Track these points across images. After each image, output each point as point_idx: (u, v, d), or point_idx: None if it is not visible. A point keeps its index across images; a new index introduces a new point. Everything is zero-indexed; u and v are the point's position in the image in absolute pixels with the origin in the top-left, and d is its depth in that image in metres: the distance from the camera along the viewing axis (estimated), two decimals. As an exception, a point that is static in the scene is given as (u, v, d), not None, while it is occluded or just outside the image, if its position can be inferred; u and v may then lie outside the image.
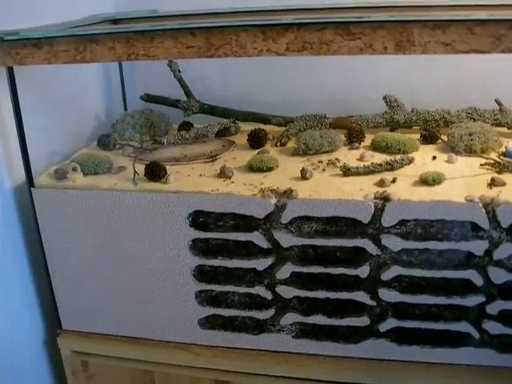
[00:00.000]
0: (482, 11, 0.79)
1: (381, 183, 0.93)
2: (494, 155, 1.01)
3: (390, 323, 0.95)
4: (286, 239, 0.92)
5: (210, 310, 1.00)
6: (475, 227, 0.87)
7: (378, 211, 0.88)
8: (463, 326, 0.93)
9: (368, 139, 1.12)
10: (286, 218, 0.91)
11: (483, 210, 0.85)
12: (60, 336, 1.08)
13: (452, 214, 0.86)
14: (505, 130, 1.13)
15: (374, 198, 0.88)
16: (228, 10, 1.08)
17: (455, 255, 0.90)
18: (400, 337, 0.96)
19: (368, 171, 0.97)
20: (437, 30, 0.78)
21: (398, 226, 0.89)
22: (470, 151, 1.03)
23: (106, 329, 1.06)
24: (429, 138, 1.09)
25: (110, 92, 1.30)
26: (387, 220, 0.88)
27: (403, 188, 0.92)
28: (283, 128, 1.17)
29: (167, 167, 1.01)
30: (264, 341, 1.00)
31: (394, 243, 0.89)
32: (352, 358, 0.98)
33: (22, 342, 1.06)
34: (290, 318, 0.98)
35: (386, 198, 0.88)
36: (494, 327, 0.92)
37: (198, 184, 0.97)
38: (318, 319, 0.97)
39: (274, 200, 0.91)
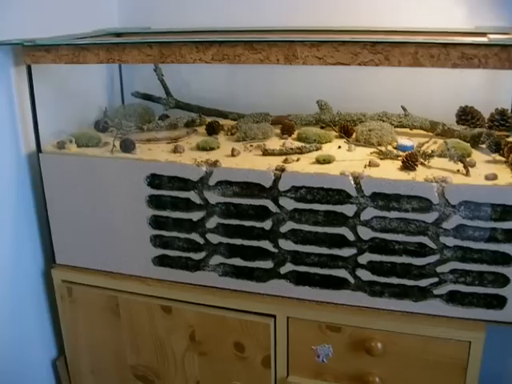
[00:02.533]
0: (345, 35, 1.18)
1: (286, 161, 1.30)
2: (388, 147, 1.37)
3: (288, 267, 1.31)
4: (213, 198, 1.31)
5: (160, 251, 1.40)
6: (347, 195, 1.23)
7: (277, 179, 1.26)
8: (342, 273, 1.28)
9: (300, 133, 1.51)
10: (212, 181, 1.30)
11: (352, 182, 1.22)
12: (54, 268, 1.51)
13: (328, 183, 1.23)
14: (408, 130, 1.49)
15: (275, 170, 1.26)
16: (181, 30, 1.53)
17: (334, 216, 1.26)
18: (297, 278, 1.32)
19: (281, 153, 1.35)
20: (313, 48, 1.16)
21: (291, 191, 1.26)
22: (368, 143, 1.40)
23: (86, 264, 1.48)
24: (345, 133, 1.46)
25: (112, 89, 1.75)
26: (283, 186, 1.25)
27: (301, 165, 1.29)
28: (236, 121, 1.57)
29: (140, 145, 1.43)
30: (198, 277, 1.38)
31: (288, 203, 1.26)
32: (261, 294, 1.35)
33: (27, 272, 1.49)
34: (217, 259, 1.36)
35: (282, 170, 1.26)
36: (365, 275, 1.27)
37: (156, 156, 1.37)
38: (237, 261, 1.34)
39: (204, 168, 1.30)
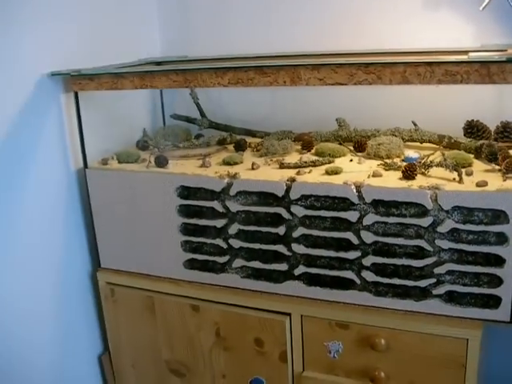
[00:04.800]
0: (341, 58, 1.37)
1: (298, 173, 1.49)
2: (395, 159, 1.53)
3: (301, 269, 1.49)
4: (234, 206, 1.52)
5: (190, 255, 1.61)
6: (350, 202, 1.40)
7: (288, 189, 1.45)
8: (349, 274, 1.45)
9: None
10: (233, 191, 1.50)
11: (354, 190, 1.39)
12: (99, 271, 1.75)
13: (333, 192, 1.41)
14: (418, 144, 1.65)
15: (286, 180, 1.46)
16: (208, 58, 1.78)
17: (339, 221, 1.43)
18: (309, 280, 1.50)
19: (296, 166, 1.54)
20: (314, 70, 1.36)
21: (302, 200, 1.45)
22: (377, 156, 1.56)
23: (127, 267, 1.71)
24: (358, 148, 1.64)
25: (155, 112, 2.00)
26: (293, 194, 1.44)
27: (312, 176, 1.48)
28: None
29: (175, 160, 1.66)
30: (223, 279, 1.58)
31: (298, 211, 1.45)
32: (278, 294, 1.53)
33: (77, 275, 1.74)
34: (239, 262, 1.56)
35: (293, 180, 1.45)
36: (369, 276, 1.43)
37: (185, 170, 1.60)
38: (256, 264, 1.54)
39: (226, 180, 1.51)
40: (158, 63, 1.87)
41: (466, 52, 1.31)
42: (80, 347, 1.78)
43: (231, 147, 1.78)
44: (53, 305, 1.67)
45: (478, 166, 1.48)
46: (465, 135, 1.57)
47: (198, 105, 1.85)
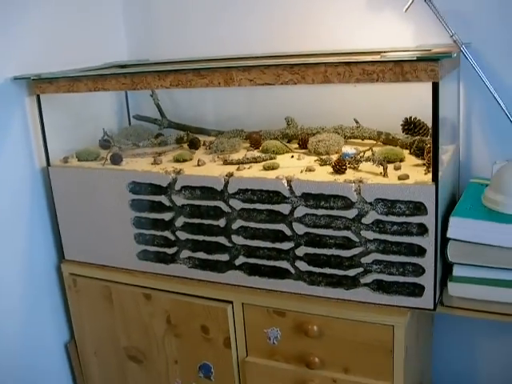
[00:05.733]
0: (269, 60, 1.45)
1: (238, 169, 1.57)
2: (333, 156, 1.61)
3: (241, 259, 1.57)
4: (179, 200, 1.60)
5: (143, 247, 1.71)
6: (282, 195, 1.48)
7: (226, 183, 1.53)
8: (284, 264, 1.53)
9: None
10: (178, 186, 1.59)
11: (285, 184, 1.47)
12: (63, 263, 1.86)
13: (266, 186, 1.48)
14: (359, 140, 1.72)
15: (225, 176, 1.54)
16: (157, 61, 1.90)
17: (274, 214, 1.51)
18: (249, 269, 1.58)
19: (239, 162, 1.62)
20: (245, 72, 1.44)
21: (239, 194, 1.53)
22: (317, 152, 1.64)
23: (87, 259, 1.81)
24: (302, 145, 1.71)
25: (121, 113, 2.10)
26: (231, 189, 1.53)
27: (251, 171, 1.56)
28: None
29: (131, 158, 1.76)
30: (172, 269, 1.67)
31: (236, 204, 1.53)
32: (221, 284, 1.62)
33: (42, 267, 1.85)
34: (186, 253, 1.64)
35: (230, 175, 1.53)
36: (302, 265, 1.51)
37: (137, 167, 1.69)
38: (201, 255, 1.62)
39: (171, 175, 1.60)
40: (122, 66, 1.97)
41: (385, 52, 1.38)
42: (47, 336, 1.88)
43: (187, 146, 1.87)
44: (20, 296, 1.78)
45: (411, 161, 1.54)
46: (403, 132, 1.64)
47: (158, 106, 1.94)
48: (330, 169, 1.51)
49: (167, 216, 1.64)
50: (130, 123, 2.11)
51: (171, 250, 1.66)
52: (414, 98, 1.71)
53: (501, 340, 1.81)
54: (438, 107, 1.29)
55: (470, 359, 1.86)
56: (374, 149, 1.52)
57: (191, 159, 1.71)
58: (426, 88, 1.30)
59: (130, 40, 2.13)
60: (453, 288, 1.41)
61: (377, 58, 1.32)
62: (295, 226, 1.48)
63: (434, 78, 1.27)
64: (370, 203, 1.40)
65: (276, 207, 1.49)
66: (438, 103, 1.29)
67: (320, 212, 1.45)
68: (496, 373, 1.84)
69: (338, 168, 1.47)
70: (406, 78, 1.30)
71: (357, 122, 1.71)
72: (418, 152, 1.52)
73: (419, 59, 1.27)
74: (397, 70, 1.30)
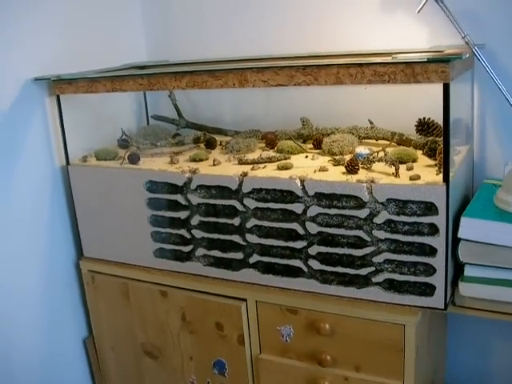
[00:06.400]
0: (283, 61, 1.47)
1: (253, 168, 1.60)
2: (347, 156, 1.62)
3: (255, 258, 1.60)
4: (195, 199, 1.63)
5: (159, 245, 1.74)
6: (295, 195, 1.50)
7: (241, 183, 1.56)
8: (297, 263, 1.55)
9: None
10: (193, 185, 1.62)
11: (298, 184, 1.49)
12: (81, 260, 1.90)
13: (280, 185, 1.51)
14: (374, 141, 1.73)
15: (240, 175, 1.57)
16: (179, 62, 1.94)
17: (287, 213, 1.53)
18: (263, 268, 1.60)
19: (254, 162, 1.65)
20: (259, 73, 1.47)
21: (253, 193, 1.55)
22: (331, 153, 1.66)
23: (105, 256, 1.85)
24: (316, 145, 1.73)
25: (140, 113, 2.14)
26: (246, 188, 1.55)
27: (265, 171, 1.58)
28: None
29: (148, 158, 1.80)
30: (188, 266, 1.70)
31: (250, 203, 1.56)
32: (236, 281, 1.64)
33: (62, 264, 1.89)
34: (201, 251, 1.67)
35: (245, 175, 1.56)
36: (315, 264, 1.53)
37: (154, 166, 1.72)
38: (216, 253, 1.65)
39: (187, 174, 1.63)
40: (141, 67, 2.01)
41: (396, 53, 1.39)
42: (66, 331, 1.92)
43: (204, 145, 1.90)
44: (40, 292, 1.83)
45: (424, 161, 1.55)
46: (416, 132, 1.65)
47: (175, 106, 1.98)
48: (342, 169, 1.53)
49: (183, 214, 1.67)
50: (148, 123, 2.15)
51: (187, 248, 1.69)
52: (428, 99, 1.72)
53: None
54: (449, 108, 1.30)
55: (484, 359, 1.87)
56: (387, 149, 1.54)
57: (207, 159, 1.74)
58: (440, 88, 1.31)
59: (149, 41, 2.17)
60: (464, 288, 1.42)
61: (388, 59, 1.33)
62: (308, 225, 1.50)
63: (445, 80, 1.28)
64: (382, 203, 1.41)
65: (289, 206, 1.51)
66: (449, 104, 1.30)
67: (332, 211, 1.47)
68: (509, 373, 1.84)
69: (351, 168, 1.49)
70: (416, 79, 1.31)
71: (371, 123, 1.73)
72: (431, 153, 1.53)
73: (430, 61, 1.28)
74: (408, 71, 1.32)
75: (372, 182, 1.42)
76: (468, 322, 1.82)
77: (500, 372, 1.85)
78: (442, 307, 1.42)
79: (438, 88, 1.32)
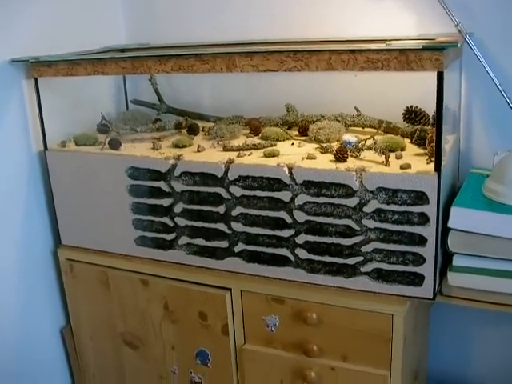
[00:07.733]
0: (272, 46, 1.43)
1: (239, 155, 1.56)
2: (334, 144, 1.60)
3: (240, 246, 1.56)
4: (178, 186, 1.59)
5: (140, 233, 1.69)
6: (283, 183, 1.47)
7: (227, 170, 1.52)
8: (284, 251, 1.52)
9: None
10: (177, 172, 1.58)
11: (286, 171, 1.46)
12: (59, 248, 1.84)
13: (267, 173, 1.47)
14: (360, 129, 1.71)
15: (225, 162, 1.53)
16: (159, 45, 1.89)
17: (274, 201, 1.50)
18: (248, 256, 1.57)
19: (239, 149, 1.61)
20: (247, 58, 1.42)
21: (239, 180, 1.52)
22: (317, 140, 1.63)
23: (84, 244, 1.80)
24: (302, 132, 1.70)
25: (119, 97, 2.08)
26: (231, 175, 1.51)
27: (251, 158, 1.54)
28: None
29: (129, 143, 1.74)
30: (170, 255, 1.66)
31: (236, 191, 1.52)
32: (220, 270, 1.61)
33: (39, 252, 1.83)
34: (184, 239, 1.63)
35: (231, 162, 1.52)
36: (302, 253, 1.50)
37: (136, 152, 1.67)
38: (200, 241, 1.61)
39: (170, 161, 1.59)
40: (122, 50, 1.94)
41: (390, 40, 1.36)
42: (43, 321, 1.86)
43: (186, 131, 1.85)
44: (16, 281, 1.76)
45: (412, 150, 1.53)
46: (404, 121, 1.63)
47: (156, 90, 1.92)
48: (331, 157, 1.50)
49: (166, 202, 1.62)
50: (127, 108, 2.09)
51: (170, 236, 1.65)
52: (415, 87, 1.71)
53: (499, 330, 1.82)
54: (443, 97, 1.28)
55: (465, 348, 1.88)
56: (372, 137, 1.51)
57: (190, 145, 1.69)
58: (428, 77, 1.29)
59: (128, 23, 2.10)
60: (452, 278, 1.41)
61: (382, 46, 1.30)
62: (296, 213, 1.47)
63: (439, 68, 1.26)
64: (372, 192, 1.39)
65: (276, 194, 1.48)
66: (443, 93, 1.28)
67: (321, 200, 1.44)
68: (491, 363, 1.85)
69: (340, 156, 1.46)
70: (410, 66, 1.29)
71: (357, 110, 1.70)
72: (420, 141, 1.51)
73: (425, 48, 1.26)
74: (402, 58, 1.29)
75: (362, 170, 1.39)
76: (450, 311, 1.82)
77: (481, 360, 1.86)
78: (431, 297, 1.41)
79: (423, 76, 1.29)
